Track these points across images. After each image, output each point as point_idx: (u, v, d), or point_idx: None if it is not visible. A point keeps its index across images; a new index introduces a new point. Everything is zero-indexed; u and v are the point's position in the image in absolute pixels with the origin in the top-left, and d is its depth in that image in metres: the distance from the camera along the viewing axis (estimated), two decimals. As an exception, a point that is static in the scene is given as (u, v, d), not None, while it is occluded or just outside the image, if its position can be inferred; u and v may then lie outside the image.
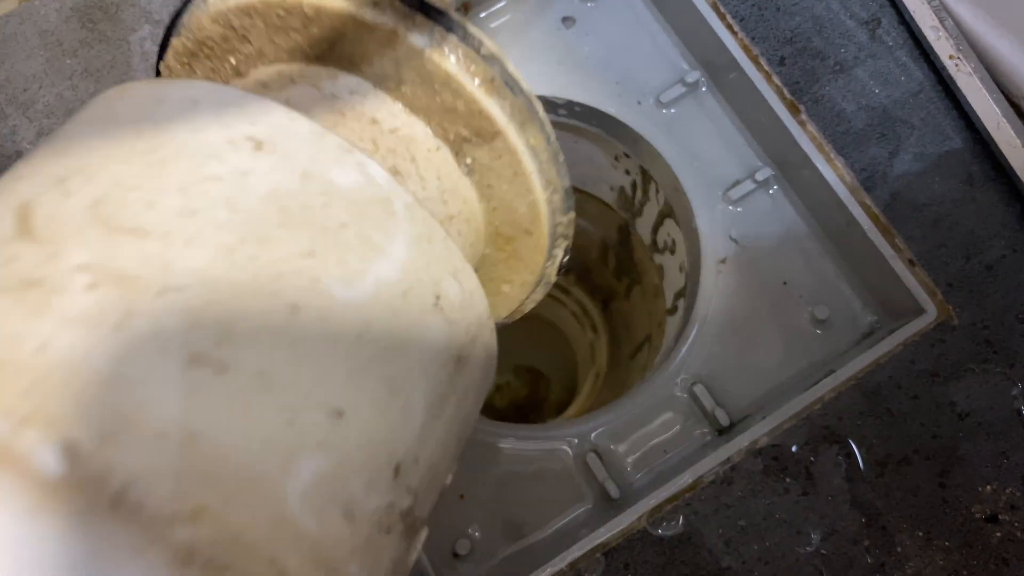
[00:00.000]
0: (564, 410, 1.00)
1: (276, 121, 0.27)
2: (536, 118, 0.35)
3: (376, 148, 0.33)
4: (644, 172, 0.68)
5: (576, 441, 0.57)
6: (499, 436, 0.57)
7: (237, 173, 0.25)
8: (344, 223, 0.27)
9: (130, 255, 0.23)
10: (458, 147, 0.36)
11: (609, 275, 0.92)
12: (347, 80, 0.35)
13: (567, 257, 0.42)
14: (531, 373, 1.12)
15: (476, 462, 0.56)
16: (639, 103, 0.64)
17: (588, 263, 0.94)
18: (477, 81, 0.34)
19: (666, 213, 0.69)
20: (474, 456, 0.56)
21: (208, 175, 0.25)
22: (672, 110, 0.64)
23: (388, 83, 0.35)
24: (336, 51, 0.34)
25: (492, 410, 1.06)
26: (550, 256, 0.41)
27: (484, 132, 0.35)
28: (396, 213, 0.28)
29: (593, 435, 0.57)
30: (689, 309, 0.61)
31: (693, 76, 0.63)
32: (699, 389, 0.57)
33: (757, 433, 0.54)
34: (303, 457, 0.22)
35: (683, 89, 0.63)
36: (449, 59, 0.33)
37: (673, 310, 0.73)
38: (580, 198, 0.78)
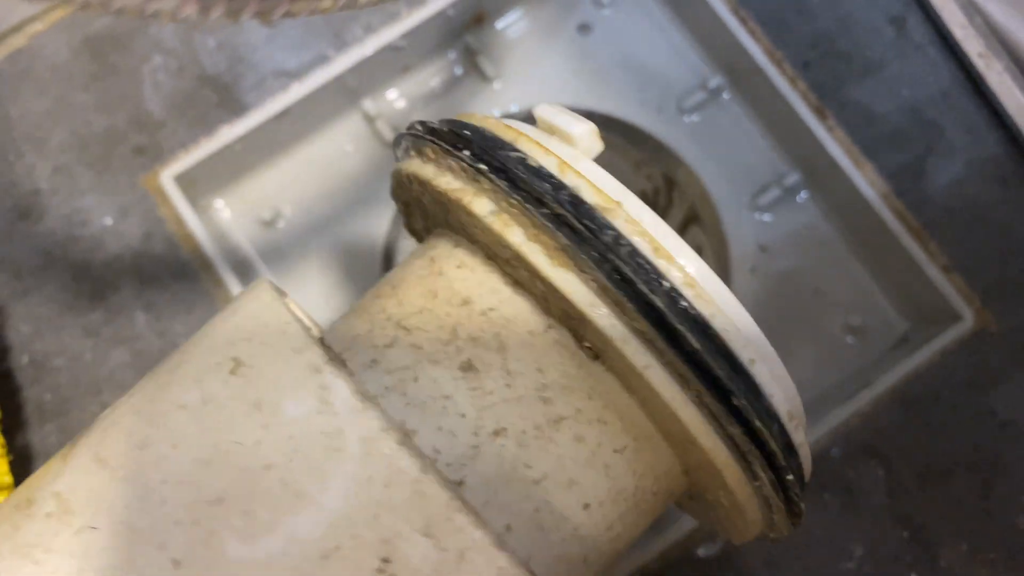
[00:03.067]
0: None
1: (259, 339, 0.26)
2: None
3: (453, 338, 0.27)
4: (667, 179, 0.67)
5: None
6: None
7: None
8: (269, 464, 0.23)
9: None
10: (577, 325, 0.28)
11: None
12: (460, 255, 0.30)
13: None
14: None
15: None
16: (660, 110, 0.63)
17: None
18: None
19: (691, 218, 0.67)
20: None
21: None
22: (694, 116, 0.62)
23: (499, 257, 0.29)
24: (451, 220, 0.30)
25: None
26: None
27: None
28: (343, 449, 0.23)
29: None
30: (719, 321, 0.60)
31: (715, 82, 0.62)
32: (732, 404, 0.56)
33: (794, 449, 0.53)
34: None
35: (705, 95, 0.62)
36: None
37: (700, 317, 0.72)
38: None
